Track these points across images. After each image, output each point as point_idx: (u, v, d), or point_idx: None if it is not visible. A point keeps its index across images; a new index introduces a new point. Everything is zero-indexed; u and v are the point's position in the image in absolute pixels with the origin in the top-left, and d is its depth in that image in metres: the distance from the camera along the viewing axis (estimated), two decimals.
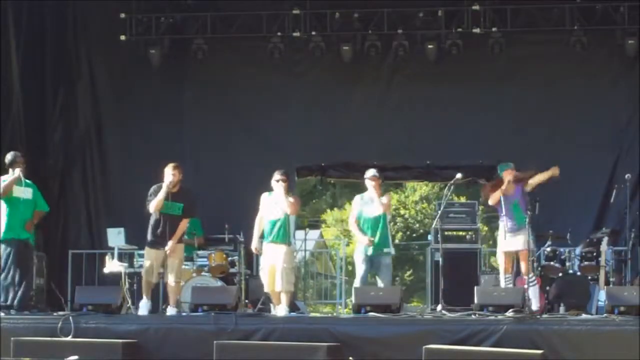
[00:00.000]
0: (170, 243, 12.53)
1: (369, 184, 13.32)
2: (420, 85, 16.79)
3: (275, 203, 12.90)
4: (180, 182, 12.74)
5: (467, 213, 15.35)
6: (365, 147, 16.76)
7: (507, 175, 12.98)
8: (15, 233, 12.68)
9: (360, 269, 13.11)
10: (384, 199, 13.29)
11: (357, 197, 13.37)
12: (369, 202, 13.24)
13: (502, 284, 12.90)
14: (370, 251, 13.00)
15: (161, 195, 12.51)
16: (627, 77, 16.21)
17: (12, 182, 12.67)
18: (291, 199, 12.92)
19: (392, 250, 13.28)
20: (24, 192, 12.79)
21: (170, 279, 12.64)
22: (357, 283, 13.05)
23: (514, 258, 13.09)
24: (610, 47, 16.28)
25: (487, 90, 16.67)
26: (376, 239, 13.01)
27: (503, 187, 12.92)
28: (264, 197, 13.06)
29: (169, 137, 16.85)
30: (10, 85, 15.75)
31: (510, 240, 12.88)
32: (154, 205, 12.53)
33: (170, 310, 12.56)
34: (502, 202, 12.89)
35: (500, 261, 13.07)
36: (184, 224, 12.78)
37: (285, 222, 12.82)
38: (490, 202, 13.01)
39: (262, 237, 12.99)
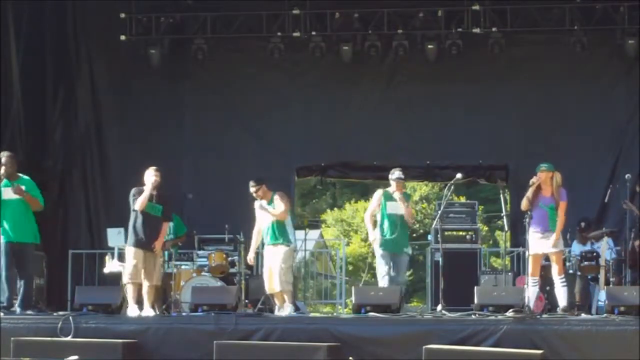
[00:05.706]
0: (157, 244, 12.52)
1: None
2: (420, 85, 16.80)
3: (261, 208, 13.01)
4: (160, 185, 12.69)
5: (467, 213, 15.36)
6: (365, 147, 16.79)
7: (536, 178, 12.02)
8: (6, 236, 12.53)
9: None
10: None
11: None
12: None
13: (530, 288, 11.92)
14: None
15: (147, 193, 12.52)
16: (627, 77, 16.22)
17: None
18: (274, 205, 12.91)
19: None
20: (10, 193, 12.48)
21: (152, 281, 12.56)
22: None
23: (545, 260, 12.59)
24: (610, 47, 16.30)
25: (487, 90, 16.69)
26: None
27: (529, 192, 12.04)
28: (256, 206, 13.11)
29: (169, 137, 16.86)
30: (10, 85, 15.75)
31: (540, 242, 12.08)
32: (140, 202, 12.50)
33: (148, 312, 12.45)
34: (535, 203, 12.07)
35: (528, 265, 12.14)
36: (165, 227, 12.80)
37: (277, 224, 12.88)
38: (523, 207, 12.09)
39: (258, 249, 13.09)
